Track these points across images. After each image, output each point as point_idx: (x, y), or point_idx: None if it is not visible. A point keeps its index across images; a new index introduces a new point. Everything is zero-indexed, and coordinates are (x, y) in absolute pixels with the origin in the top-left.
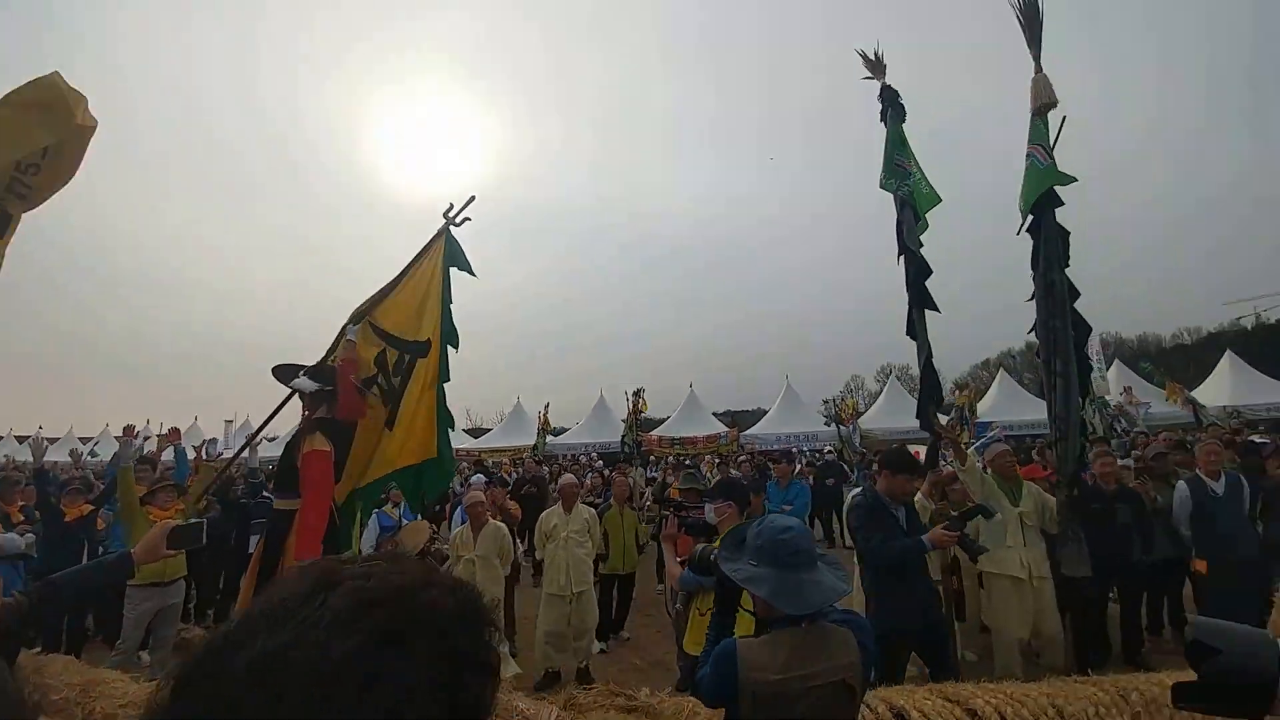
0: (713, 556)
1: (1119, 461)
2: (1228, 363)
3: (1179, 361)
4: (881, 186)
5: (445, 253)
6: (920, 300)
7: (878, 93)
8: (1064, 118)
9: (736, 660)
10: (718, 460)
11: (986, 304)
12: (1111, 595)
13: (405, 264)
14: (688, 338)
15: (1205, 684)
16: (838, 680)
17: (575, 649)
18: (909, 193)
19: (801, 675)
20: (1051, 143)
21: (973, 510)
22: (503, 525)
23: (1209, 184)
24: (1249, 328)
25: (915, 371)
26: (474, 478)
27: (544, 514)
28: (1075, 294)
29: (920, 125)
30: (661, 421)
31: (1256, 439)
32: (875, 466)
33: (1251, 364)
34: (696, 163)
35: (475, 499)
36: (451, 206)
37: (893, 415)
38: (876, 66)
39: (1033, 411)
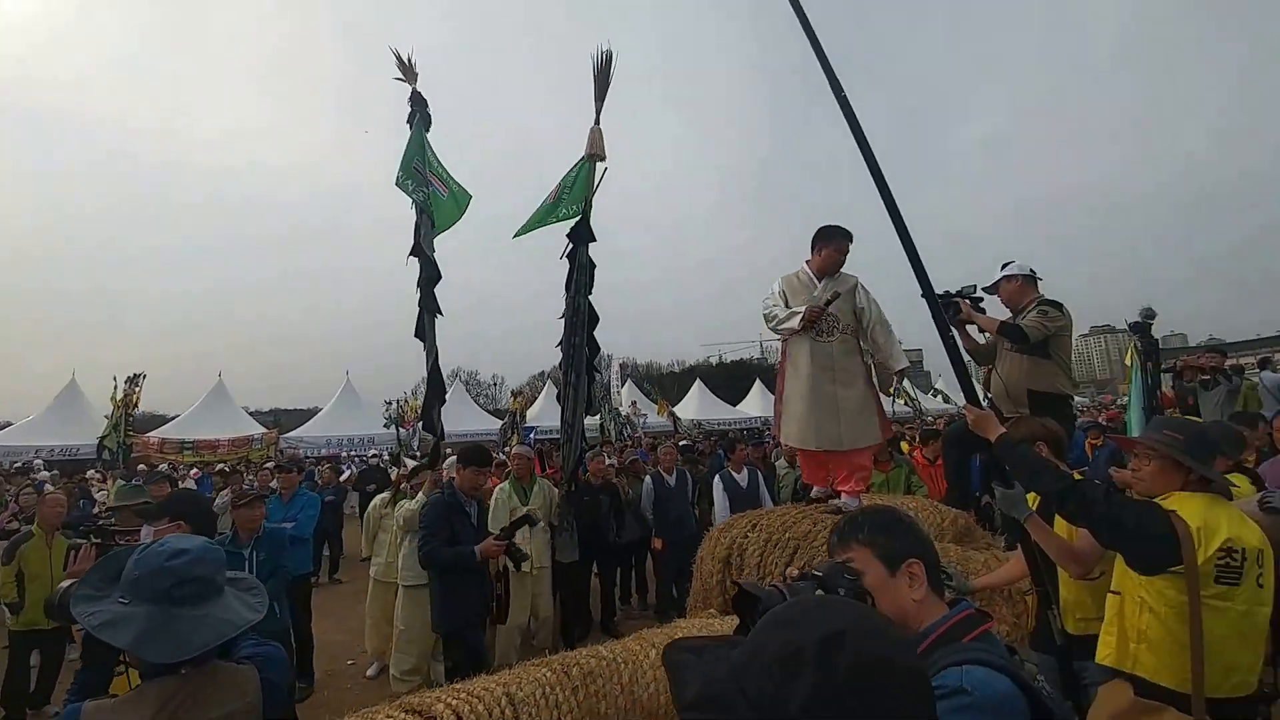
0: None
1: (606, 461)
2: (698, 388)
3: (670, 384)
4: (396, 184)
5: None
6: (429, 304)
7: (408, 96)
8: (605, 169)
9: None
10: (227, 469)
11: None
12: (594, 573)
13: None
14: (231, 318)
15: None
16: None
17: None
18: (425, 199)
19: None
20: (593, 188)
21: (520, 520)
22: None
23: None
24: (714, 364)
25: (484, 377)
26: None
27: None
28: (595, 319)
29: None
30: (172, 419)
31: (687, 443)
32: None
33: (713, 391)
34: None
35: None
36: None
37: (460, 418)
38: (409, 72)
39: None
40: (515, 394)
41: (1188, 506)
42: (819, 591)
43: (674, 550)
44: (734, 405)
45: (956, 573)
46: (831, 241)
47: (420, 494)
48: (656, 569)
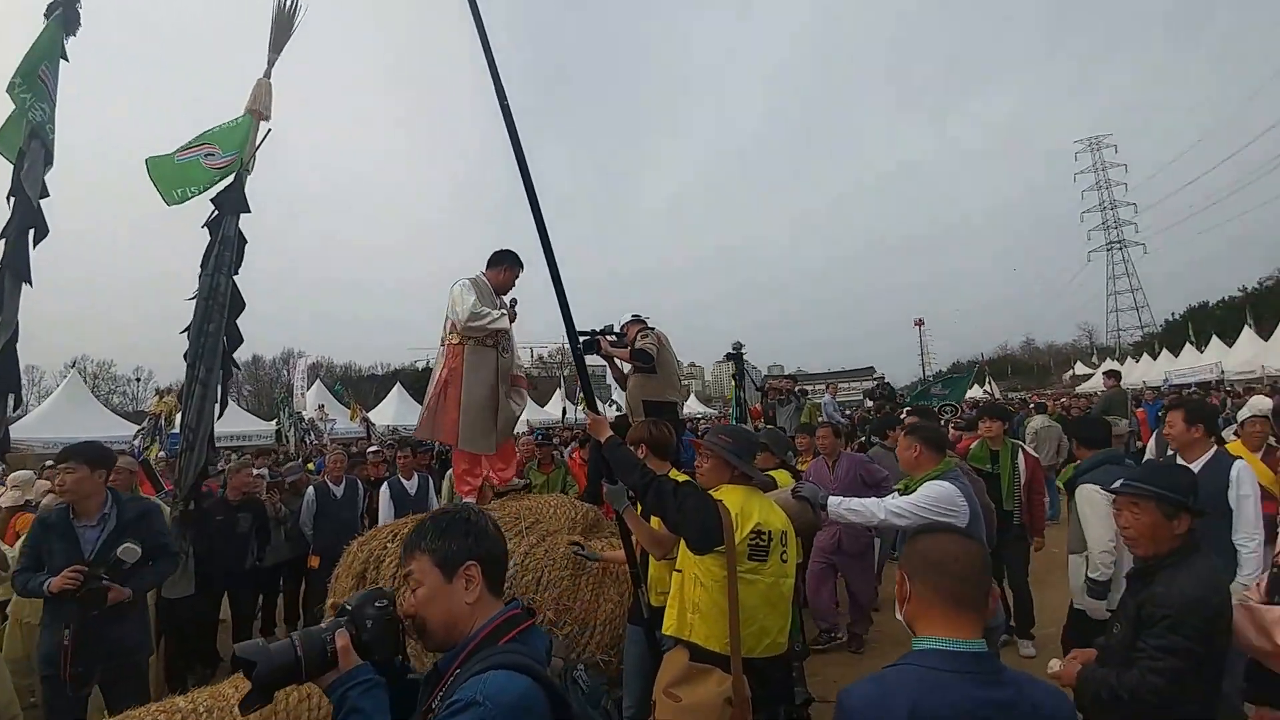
0: None
1: (255, 473)
2: (397, 392)
3: (368, 387)
4: (7, 90)
5: None
6: (17, 264)
7: None
8: (269, 130)
9: None
10: None
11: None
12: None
13: None
14: None
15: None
16: None
17: None
18: (44, 120)
19: None
20: (252, 150)
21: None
22: None
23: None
24: (420, 368)
25: (120, 370)
26: None
27: None
28: (241, 305)
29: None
30: None
31: (376, 449)
32: None
33: (413, 397)
34: None
35: None
36: None
37: (71, 418)
38: None
39: (247, 423)
40: (161, 393)
41: (730, 496)
42: (347, 623)
43: (331, 564)
44: None
45: (589, 548)
46: (516, 267)
47: None
48: (309, 591)
